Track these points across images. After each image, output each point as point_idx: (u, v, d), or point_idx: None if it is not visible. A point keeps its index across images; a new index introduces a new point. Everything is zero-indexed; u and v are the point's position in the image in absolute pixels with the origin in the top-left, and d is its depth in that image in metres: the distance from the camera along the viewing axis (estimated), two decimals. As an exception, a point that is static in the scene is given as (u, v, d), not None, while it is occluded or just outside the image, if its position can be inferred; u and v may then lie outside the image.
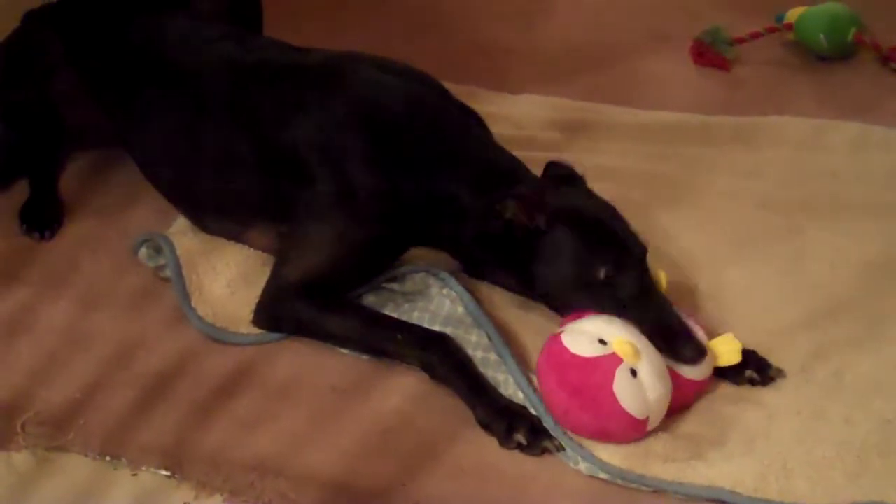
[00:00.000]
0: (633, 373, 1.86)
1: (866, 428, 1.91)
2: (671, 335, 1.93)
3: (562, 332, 1.93)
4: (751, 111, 2.75)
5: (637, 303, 1.96)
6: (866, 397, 1.97)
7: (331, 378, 2.06)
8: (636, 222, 2.07)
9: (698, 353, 1.92)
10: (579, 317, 1.96)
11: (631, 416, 1.86)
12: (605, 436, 1.88)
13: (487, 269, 2.18)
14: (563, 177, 2.14)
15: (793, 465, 1.85)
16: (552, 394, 1.91)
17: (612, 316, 1.94)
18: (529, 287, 2.08)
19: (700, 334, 1.97)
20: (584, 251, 1.99)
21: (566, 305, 2.01)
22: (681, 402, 1.93)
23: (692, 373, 1.94)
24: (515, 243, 2.03)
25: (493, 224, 2.04)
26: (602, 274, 1.97)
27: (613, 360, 1.86)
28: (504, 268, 2.11)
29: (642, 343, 1.90)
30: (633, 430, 1.88)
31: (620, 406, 1.85)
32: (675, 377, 1.91)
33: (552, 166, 2.17)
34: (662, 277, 2.07)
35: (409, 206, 2.11)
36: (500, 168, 2.13)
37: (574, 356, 1.88)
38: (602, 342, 1.88)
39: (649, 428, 1.89)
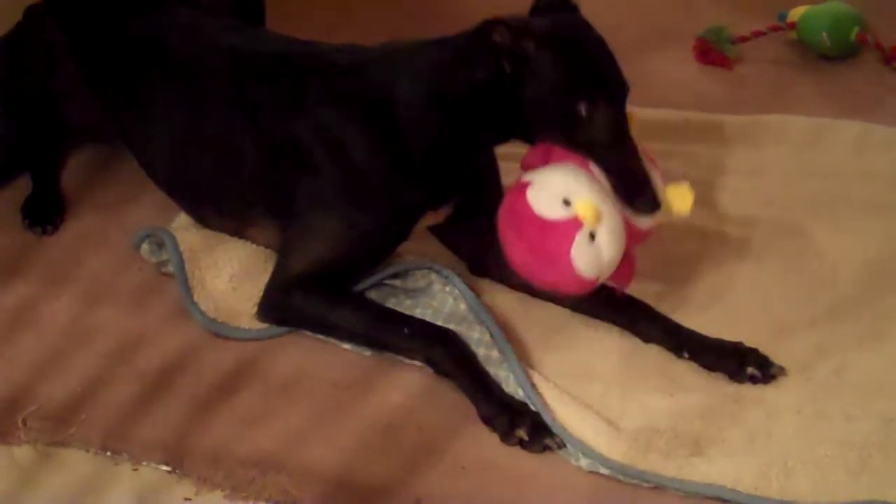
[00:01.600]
0: (592, 236, 1.89)
1: (867, 426, 1.91)
2: (632, 185, 1.94)
3: (528, 184, 1.93)
4: (753, 110, 2.74)
5: (608, 146, 1.94)
6: (868, 395, 1.97)
7: (332, 374, 2.07)
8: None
9: (653, 207, 1.94)
10: (547, 156, 1.96)
11: (582, 278, 1.90)
12: (553, 289, 1.95)
13: (490, 257, 2.17)
14: (553, 5, 2.06)
15: (793, 463, 1.85)
16: (510, 246, 1.94)
17: (580, 169, 1.92)
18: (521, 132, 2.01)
19: (659, 184, 1.98)
20: (567, 82, 1.94)
21: (544, 139, 1.98)
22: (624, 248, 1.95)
23: (643, 222, 1.97)
24: (504, 90, 1.95)
25: (481, 70, 1.96)
26: (581, 109, 1.93)
27: (574, 225, 1.88)
28: (500, 132, 2.03)
29: (606, 204, 1.90)
30: (582, 289, 1.93)
31: (574, 269, 1.89)
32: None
33: None
34: (634, 117, 2.02)
35: (415, 175, 2.09)
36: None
37: (536, 217, 1.90)
38: (566, 202, 1.89)
39: (597, 284, 1.93)
